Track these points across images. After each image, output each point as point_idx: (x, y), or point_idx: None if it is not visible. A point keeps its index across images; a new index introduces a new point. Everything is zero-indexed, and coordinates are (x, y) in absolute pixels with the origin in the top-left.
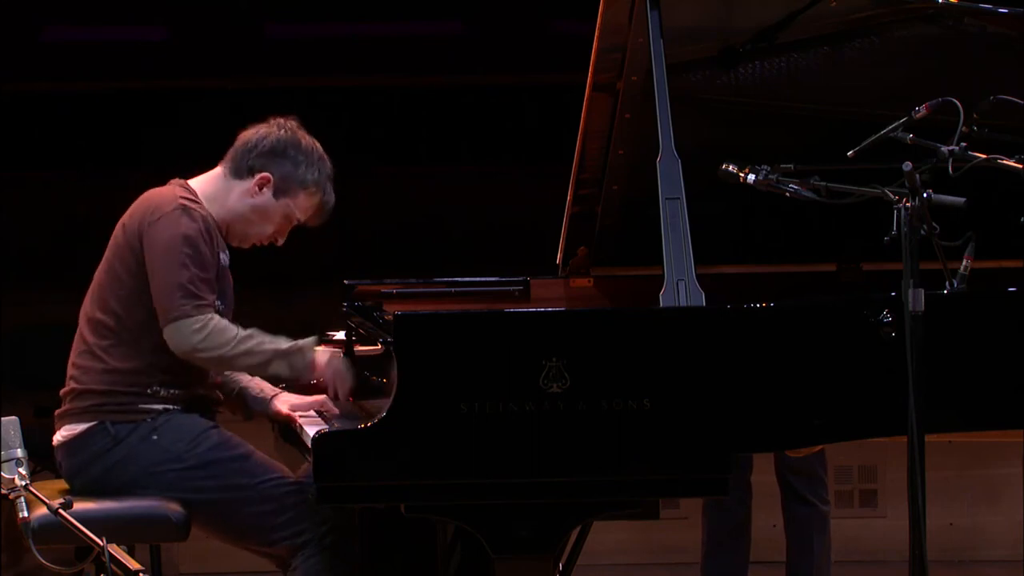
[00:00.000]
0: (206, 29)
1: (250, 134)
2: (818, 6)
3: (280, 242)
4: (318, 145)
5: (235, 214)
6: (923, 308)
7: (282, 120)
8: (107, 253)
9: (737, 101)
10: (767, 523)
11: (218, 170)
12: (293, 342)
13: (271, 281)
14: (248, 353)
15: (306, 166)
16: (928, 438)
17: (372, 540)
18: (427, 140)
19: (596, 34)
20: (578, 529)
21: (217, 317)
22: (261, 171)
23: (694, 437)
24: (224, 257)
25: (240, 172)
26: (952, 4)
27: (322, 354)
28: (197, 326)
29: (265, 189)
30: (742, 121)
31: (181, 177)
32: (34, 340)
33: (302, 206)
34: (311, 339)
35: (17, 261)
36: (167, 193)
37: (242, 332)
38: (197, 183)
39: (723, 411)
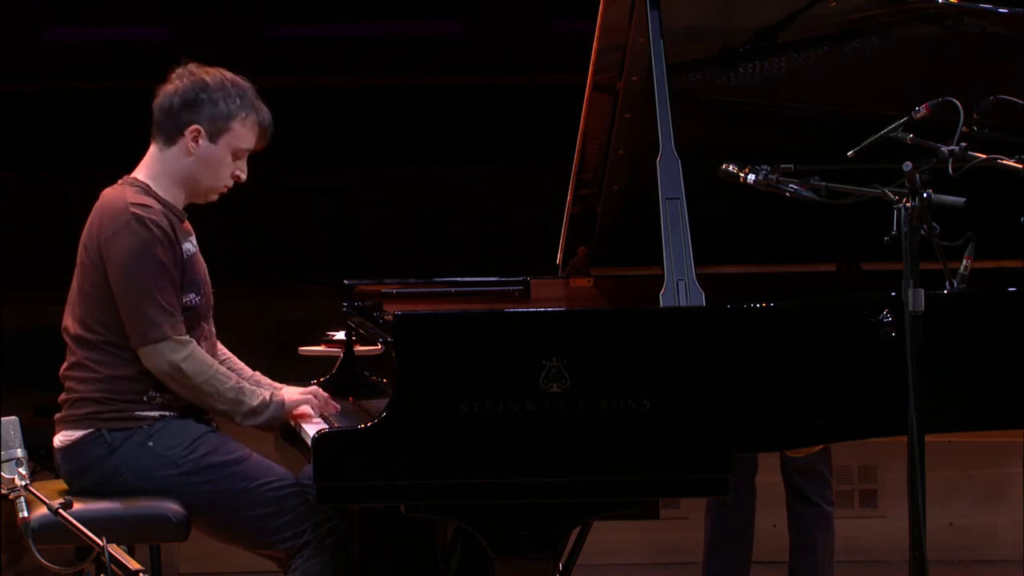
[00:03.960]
0: (206, 29)
1: (160, 101)
2: (818, 6)
3: (243, 177)
4: (226, 72)
5: (186, 177)
6: (923, 308)
7: (180, 70)
8: (76, 272)
9: (737, 101)
10: (768, 523)
11: (152, 148)
12: (263, 400)
13: (271, 281)
14: (221, 393)
15: (224, 99)
16: (928, 438)
17: (372, 540)
18: (427, 140)
19: (596, 34)
20: (578, 529)
21: (195, 344)
22: (188, 125)
23: (694, 437)
24: (189, 246)
25: (171, 137)
26: (952, 4)
27: (288, 395)
28: (178, 347)
29: (200, 139)
30: (742, 121)
31: None
32: (34, 340)
33: (242, 135)
34: (279, 401)
35: (17, 261)
36: (118, 201)
37: (223, 370)
38: (142, 170)
39: (723, 411)
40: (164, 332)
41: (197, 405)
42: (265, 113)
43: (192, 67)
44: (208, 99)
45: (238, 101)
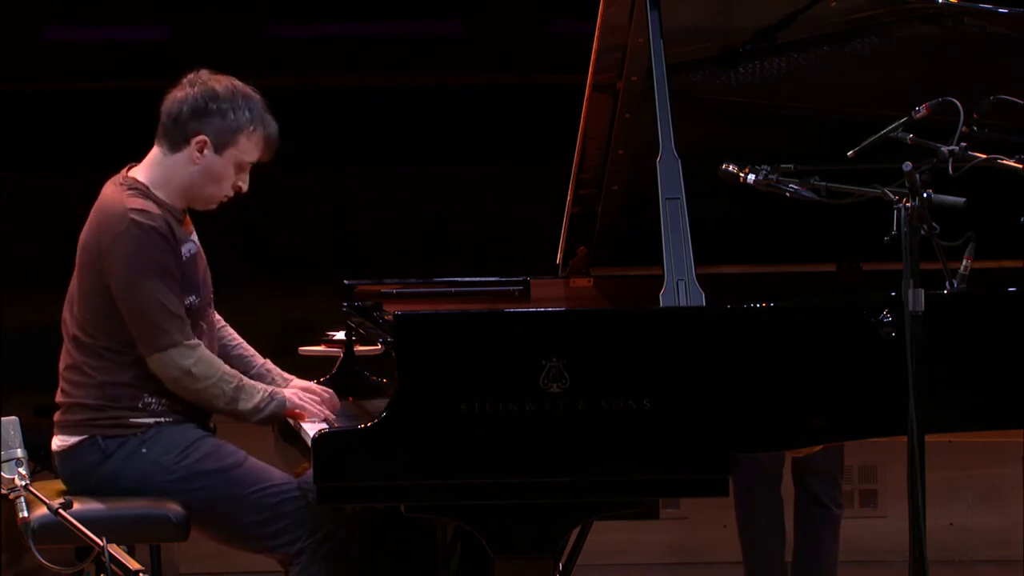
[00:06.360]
0: (206, 29)
1: (169, 105)
2: (818, 6)
3: (244, 189)
4: (237, 83)
5: (189, 186)
6: (923, 308)
7: (192, 76)
8: (75, 271)
9: (737, 101)
10: None
11: (156, 151)
12: (267, 398)
13: (271, 281)
14: (225, 393)
15: (233, 112)
16: (928, 438)
17: (372, 541)
18: (427, 140)
19: (596, 34)
20: (578, 529)
21: (203, 346)
22: (195, 135)
23: (694, 437)
24: (188, 248)
25: (176, 144)
26: (952, 4)
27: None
28: (188, 351)
29: (206, 151)
30: (742, 121)
31: None
32: (34, 340)
33: (247, 149)
34: (280, 399)
35: (17, 261)
36: (117, 205)
37: (228, 370)
38: (142, 171)
39: (723, 411)
40: (174, 339)
41: (195, 409)
42: (272, 127)
43: (205, 74)
44: (217, 110)
45: (247, 114)
